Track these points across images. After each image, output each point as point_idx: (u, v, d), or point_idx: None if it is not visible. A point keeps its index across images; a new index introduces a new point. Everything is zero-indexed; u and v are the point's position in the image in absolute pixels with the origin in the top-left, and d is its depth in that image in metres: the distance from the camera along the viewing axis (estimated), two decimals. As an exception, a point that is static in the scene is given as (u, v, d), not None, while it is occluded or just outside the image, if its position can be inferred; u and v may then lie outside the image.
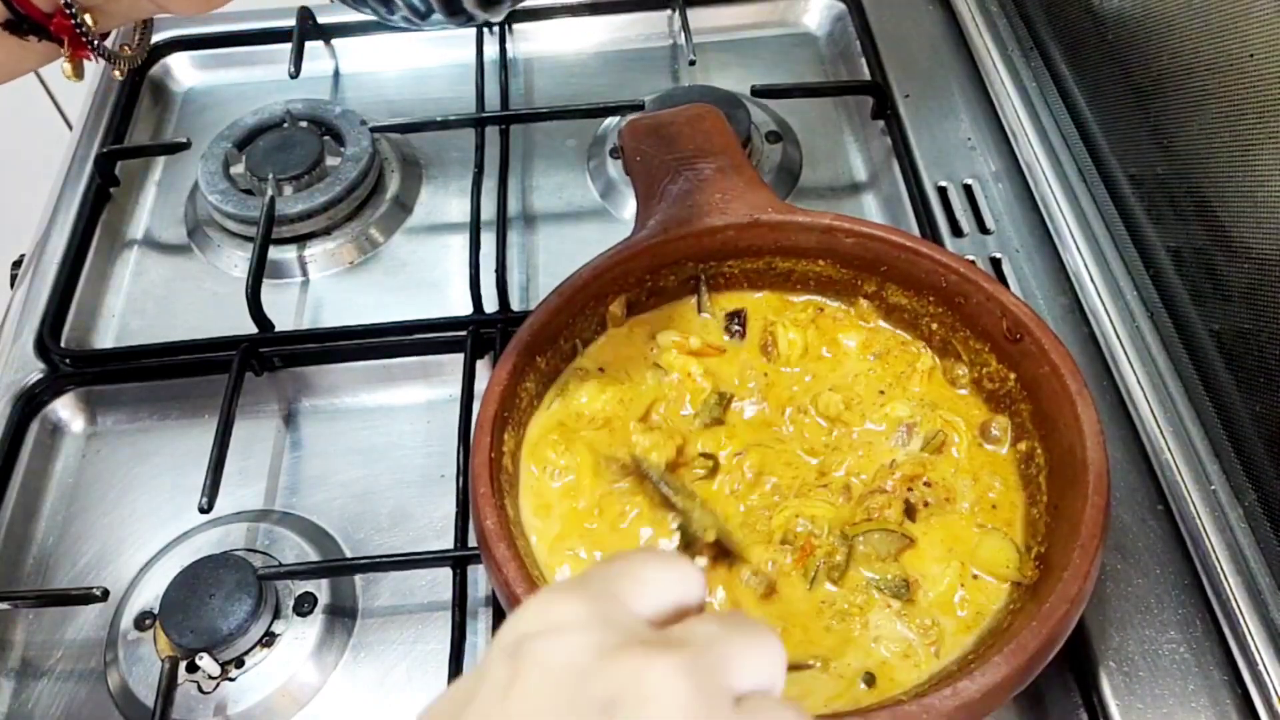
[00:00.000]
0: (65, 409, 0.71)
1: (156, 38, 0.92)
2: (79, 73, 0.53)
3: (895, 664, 0.50)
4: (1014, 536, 0.54)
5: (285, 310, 0.75)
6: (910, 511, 0.55)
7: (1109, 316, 0.69)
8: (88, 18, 0.51)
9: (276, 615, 0.60)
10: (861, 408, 0.60)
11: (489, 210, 0.77)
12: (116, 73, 0.58)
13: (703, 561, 0.54)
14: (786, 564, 0.54)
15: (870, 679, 0.50)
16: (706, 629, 0.31)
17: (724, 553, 0.54)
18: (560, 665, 0.29)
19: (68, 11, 0.50)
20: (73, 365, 0.71)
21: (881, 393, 0.61)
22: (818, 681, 0.50)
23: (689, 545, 0.54)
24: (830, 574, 0.53)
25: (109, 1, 0.52)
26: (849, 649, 0.51)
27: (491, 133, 0.83)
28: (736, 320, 0.64)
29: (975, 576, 0.53)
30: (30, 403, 0.70)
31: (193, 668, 0.57)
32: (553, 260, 0.78)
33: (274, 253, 0.77)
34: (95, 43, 0.53)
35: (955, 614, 0.52)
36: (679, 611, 0.33)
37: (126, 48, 0.59)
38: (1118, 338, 0.68)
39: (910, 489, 0.56)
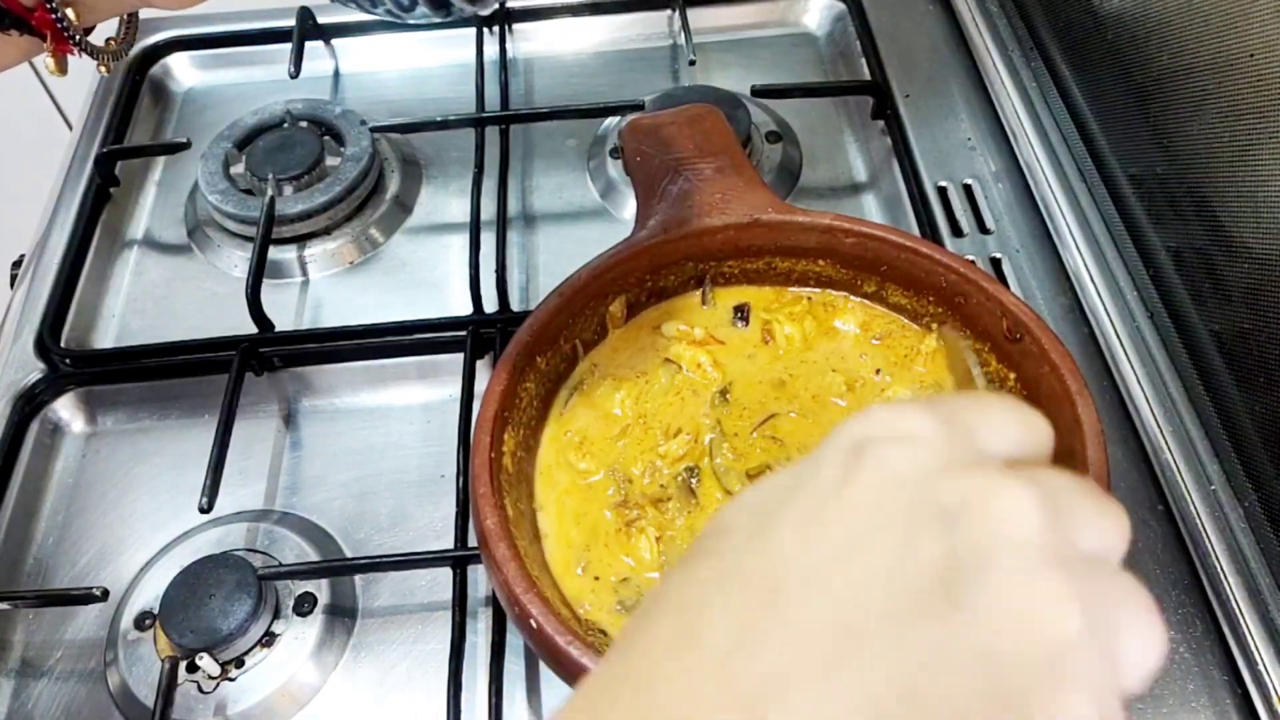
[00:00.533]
0: (65, 409, 0.71)
1: (156, 38, 0.92)
2: (62, 68, 0.53)
3: None
4: None
5: (285, 310, 0.75)
6: None
7: (1109, 316, 0.69)
8: (70, 12, 0.51)
9: (276, 615, 0.60)
10: (865, 390, 0.61)
11: (489, 210, 0.77)
12: (102, 69, 0.57)
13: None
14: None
15: None
16: (1060, 479, 0.28)
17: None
18: (906, 469, 0.27)
19: (49, 6, 0.50)
20: (73, 365, 0.71)
21: (878, 371, 0.61)
22: None
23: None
24: None
25: None
26: None
27: (491, 133, 0.83)
28: (740, 313, 0.64)
29: None
30: (30, 403, 0.70)
31: (193, 668, 0.57)
32: (553, 260, 0.78)
33: (274, 253, 0.77)
34: (78, 38, 0.52)
35: None
36: (1026, 461, 0.30)
37: (112, 42, 0.59)
38: (1118, 338, 0.68)
39: None
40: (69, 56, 0.53)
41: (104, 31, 0.58)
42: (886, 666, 0.24)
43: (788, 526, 0.27)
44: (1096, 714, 0.24)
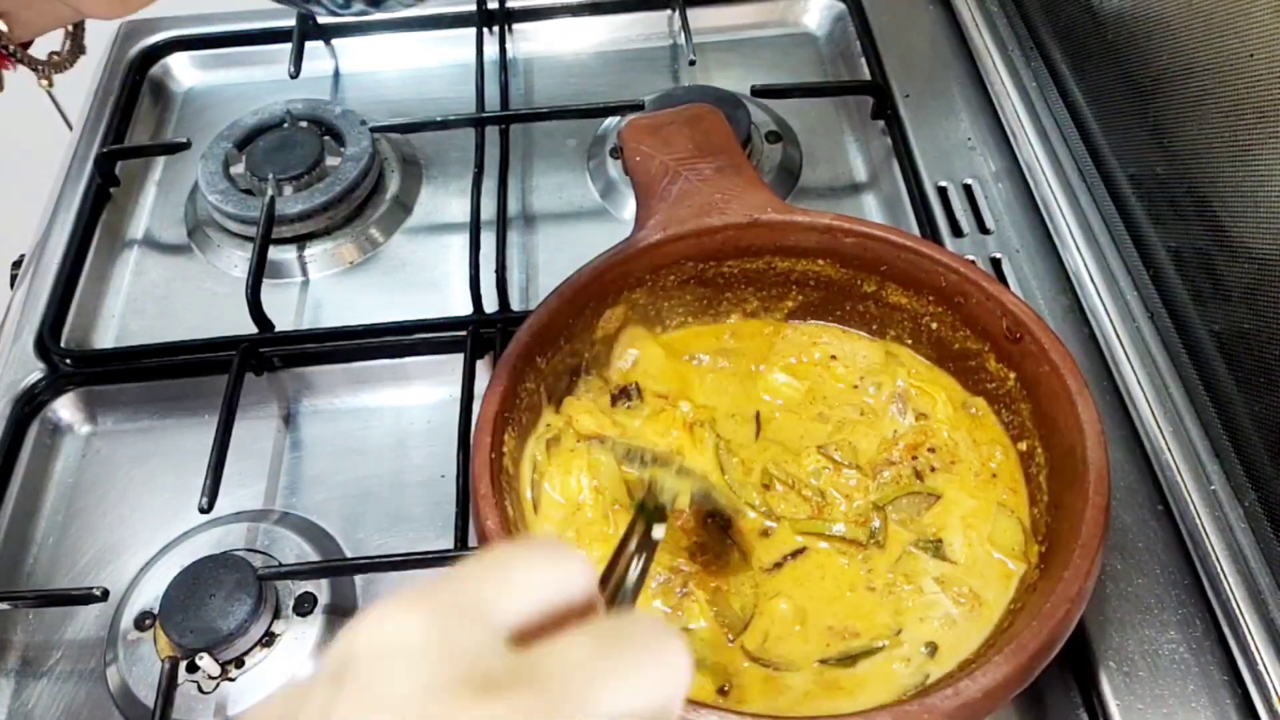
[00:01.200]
0: (65, 409, 0.71)
1: (156, 38, 0.92)
2: None
3: (948, 630, 0.51)
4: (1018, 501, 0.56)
5: (285, 310, 0.75)
6: (919, 477, 0.58)
7: (1109, 316, 0.69)
8: (2, 24, 0.50)
9: (276, 615, 0.59)
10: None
11: (489, 210, 0.77)
12: (44, 81, 0.56)
13: (659, 529, 0.50)
14: (802, 519, 0.56)
15: (933, 648, 0.51)
16: (571, 655, 0.27)
17: (723, 521, 0.55)
18: (378, 699, 0.26)
19: None
20: (73, 365, 0.71)
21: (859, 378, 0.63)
22: (888, 660, 0.51)
23: (659, 516, 0.49)
24: (871, 542, 0.55)
25: (22, 8, 0.51)
26: (906, 619, 0.52)
27: (491, 133, 0.83)
28: (625, 394, 0.62)
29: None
30: (30, 403, 0.70)
31: (193, 668, 0.57)
32: (553, 260, 0.78)
33: (274, 253, 0.77)
34: (14, 51, 0.51)
35: (990, 557, 0.54)
36: (557, 614, 0.29)
37: (55, 56, 0.58)
38: (1118, 338, 0.68)
39: (915, 456, 0.58)
40: (5, 71, 0.52)
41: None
42: None
43: None
44: None
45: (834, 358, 0.64)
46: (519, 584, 0.29)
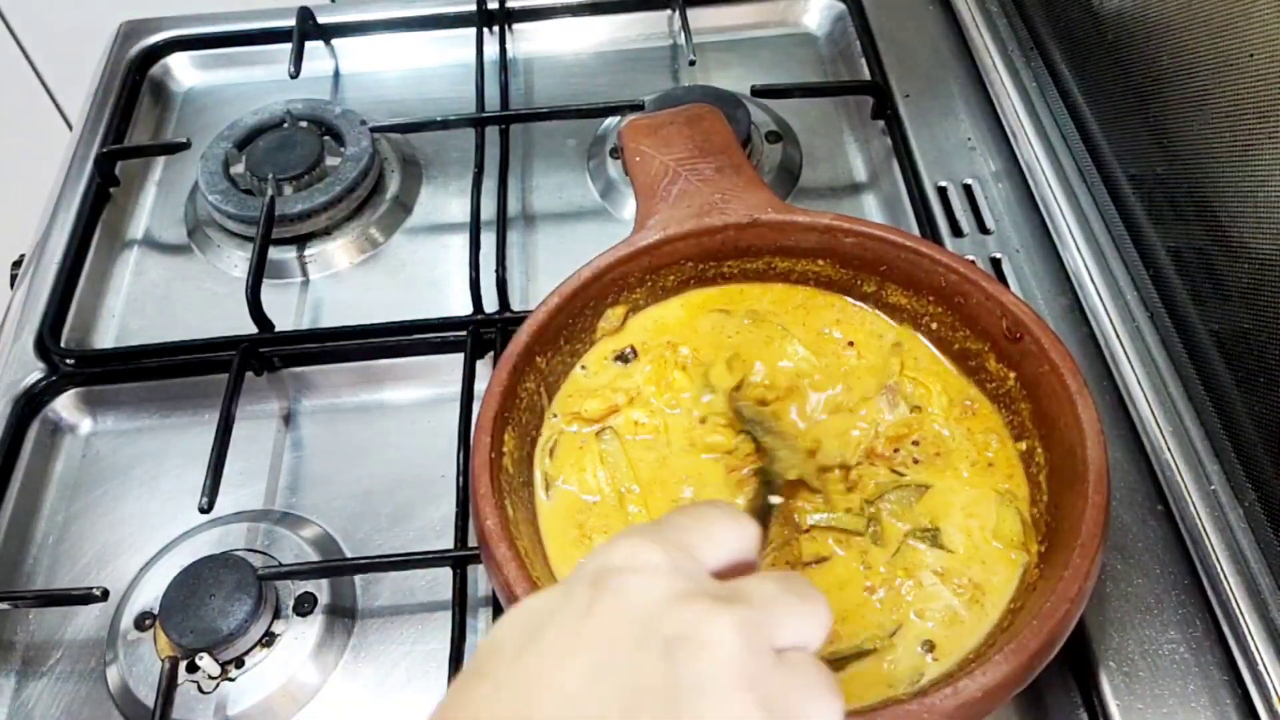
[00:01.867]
0: (65, 409, 0.71)
1: (156, 38, 0.93)
2: None
3: (948, 627, 0.51)
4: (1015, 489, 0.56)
5: (285, 310, 0.75)
6: (901, 472, 0.58)
7: (1109, 316, 0.69)
8: None
9: (276, 615, 0.60)
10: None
11: (489, 210, 0.77)
12: None
13: (776, 500, 0.55)
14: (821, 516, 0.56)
15: (930, 646, 0.51)
16: (765, 588, 0.35)
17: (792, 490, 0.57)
18: (638, 600, 0.33)
19: None
20: (73, 365, 0.71)
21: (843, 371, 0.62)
22: (881, 659, 0.51)
23: (769, 484, 0.55)
24: (870, 535, 0.55)
25: None
26: (905, 615, 0.52)
27: (491, 133, 0.83)
28: (621, 357, 0.62)
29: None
30: (30, 403, 0.70)
31: (193, 668, 0.57)
32: (553, 260, 0.78)
33: (274, 253, 0.77)
34: None
35: (990, 546, 0.54)
36: (736, 566, 0.37)
37: None
38: (1118, 338, 0.68)
39: (897, 450, 0.58)
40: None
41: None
42: None
43: (542, 651, 0.33)
44: None
45: (851, 343, 0.63)
46: (717, 538, 0.37)
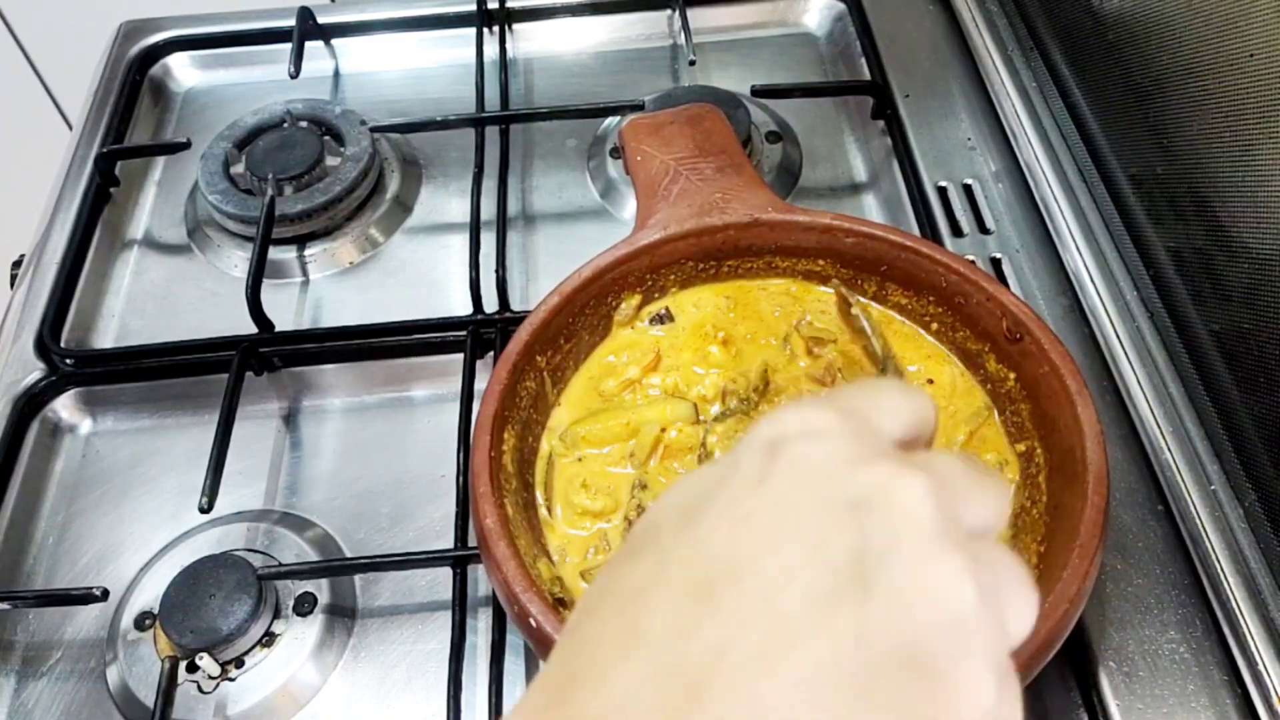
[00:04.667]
0: (65, 409, 0.71)
1: (156, 38, 0.93)
2: None
3: None
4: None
5: (285, 310, 0.75)
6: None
7: (1109, 316, 0.69)
8: None
9: (276, 615, 0.60)
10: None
11: (489, 210, 0.77)
12: None
13: None
14: None
15: None
16: (948, 463, 0.32)
17: None
18: (817, 465, 0.30)
19: None
20: (73, 365, 0.71)
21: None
22: None
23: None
24: None
25: None
26: None
27: (491, 133, 0.83)
28: (658, 319, 0.64)
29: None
30: (30, 403, 0.70)
31: (193, 668, 0.57)
32: (553, 260, 0.78)
33: (274, 253, 0.77)
34: None
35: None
36: (913, 440, 0.34)
37: None
38: (1118, 338, 0.68)
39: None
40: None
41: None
42: (815, 646, 0.27)
43: (713, 522, 0.29)
44: (993, 667, 0.27)
45: None
46: (892, 408, 0.34)
